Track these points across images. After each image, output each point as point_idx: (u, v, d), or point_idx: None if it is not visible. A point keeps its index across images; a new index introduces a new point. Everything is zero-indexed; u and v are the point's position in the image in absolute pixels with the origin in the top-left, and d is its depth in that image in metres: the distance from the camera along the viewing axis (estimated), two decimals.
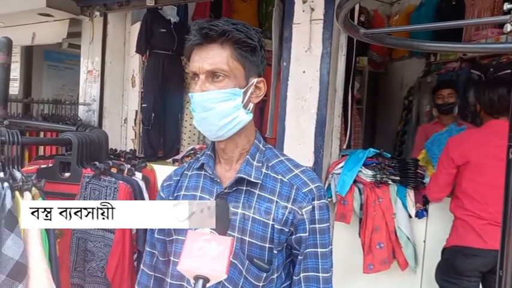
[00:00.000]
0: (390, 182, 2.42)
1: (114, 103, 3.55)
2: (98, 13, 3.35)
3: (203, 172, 0.99)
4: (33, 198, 1.15)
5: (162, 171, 1.93)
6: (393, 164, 2.48)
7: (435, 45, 0.96)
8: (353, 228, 2.49)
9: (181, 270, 0.74)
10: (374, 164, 2.50)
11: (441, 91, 3.11)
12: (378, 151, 2.55)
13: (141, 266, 1.08)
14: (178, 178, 1.03)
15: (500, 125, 2.05)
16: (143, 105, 3.41)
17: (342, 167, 2.53)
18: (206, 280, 0.72)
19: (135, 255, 1.49)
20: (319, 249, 0.93)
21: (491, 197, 1.97)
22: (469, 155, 2.04)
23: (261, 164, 0.95)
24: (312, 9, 2.46)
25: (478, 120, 3.45)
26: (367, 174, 2.46)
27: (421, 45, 1.12)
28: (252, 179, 0.92)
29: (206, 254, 0.73)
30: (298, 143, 2.50)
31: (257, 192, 0.93)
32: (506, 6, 0.70)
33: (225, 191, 0.93)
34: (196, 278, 0.72)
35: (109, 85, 3.48)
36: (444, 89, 3.11)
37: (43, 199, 1.18)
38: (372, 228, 2.36)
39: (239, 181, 0.93)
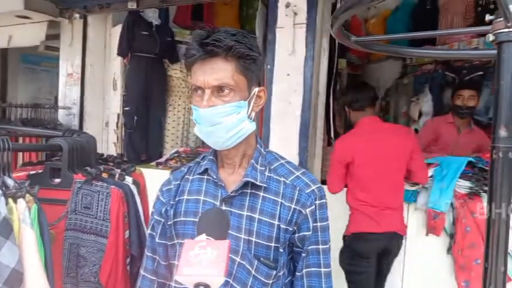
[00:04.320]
0: (483, 194, 2.27)
1: (95, 106, 3.51)
2: (77, 15, 3.31)
3: (206, 176, 1.01)
4: (28, 205, 1.14)
5: (147, 175, 1.92)
6: (487, 175, 2.27)
7: (424, 52, 1.02)
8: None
9: (180, 280, 0.73)
10: (470, 174, 2.34)
11: (461, 91, 2.78)
12: (470, 159, 2.40)
13: (142, 272, 1.08)
14: (179, 182, 1.04)
15: (372, 121, 2.30)
16: (125, 108, 3.38)
17: (430, 177, 2.35)
18: (206, 286, 0.72)
19: (128, 260, 1.49)
20: (320, 246, 0.97)
21: (377, 187, 2.20)
22: (352, 153, 2.24)
23: (264, 168, 0.98)
24: (295, 14, 2.52)
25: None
26: (463, 186, 2.30)
27: (408, 52, 1.18)
28: (258, 183, 0.95)
29: (203, 260, 0.74)
30: (283, 144, 2.55)
31: (262, 194, 0.96)
32: (488, 17, 0.76)
33: (232, 194, 0.96)
34: (196, 285, 0.72)
35: (90, 88, 3.44)
36: (466, 89, 2.77)
37: (37, 206, 1.17)
38: (465, 245, 2.27)
39: (244, 184, 0.96)
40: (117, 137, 3.51)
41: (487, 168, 2.33)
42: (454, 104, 2.82)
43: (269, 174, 0.98)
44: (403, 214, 2.29)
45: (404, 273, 2.50)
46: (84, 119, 3.44)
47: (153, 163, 3.27)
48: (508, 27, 0.69)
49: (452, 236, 2.30)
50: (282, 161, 1.02)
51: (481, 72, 3.34)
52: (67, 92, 3.44)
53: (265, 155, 1.02)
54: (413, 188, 2.39)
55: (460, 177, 2.31)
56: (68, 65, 3.41)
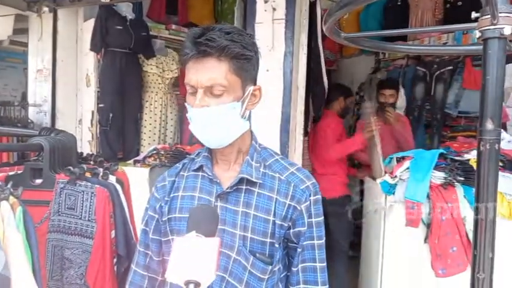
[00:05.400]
0: (456, 184, 2.33)
1: (67, 104, 3.38)
2: (46, 9, 3.17)
3: (201, 173, 1.01)
4: (12, 207, 1.09)
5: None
6: (459, 165, 2.40)
7: (414, 48, 1.05)
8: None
9: (170, 279, 0.73)
10: (443, 165, 2.40)
11: (383, 90, 3.22)
12: (442, 151, 2.48)
13: (133, 267, 1.07)
14: (174, 179, 1.04)
15: (329, 113, 3.23)
16: (100, 105, 3.28)
17: (406, 169, 2.43)
18: (197, 284, 0.71)
19: (115, 260, 1.46)
20: (315, 241, 0.98)
21: (314, 157, 3.21)
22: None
23: (259, 164, 0.99)
24: (274, 9, 2.51)
25: (424, 114, 3.71)
26: (438, 177, 2.36)
27: (390, 47, 1.21)
28: (253, 179, 0.96)
29: (193, 258, 0.73)
30: (264, 140, 2.54)
31: (256, 190, 0.96)
32: (474, 14, 0.80)
33: (227, 190, 0.96)
34: (187, 283, 0.71)
35: (61, 85, 3.31)
36: (386, 89, 3.22)
37: (23, 208, 1.12)
38: (441, 234, 2.31)
39: (240, 181, 0.96)
40: (92, 135, 3.41)
41: (457, 158, 2.45)
42: (378, 102, 3.30)
43: (264, 171, 0.99)
44: (335, 181, 3.13)
45: (384, 264, 2.57)
46: (56, 116, 3.31)
47: (131, 161, 3.20)
48: (494, 25, 0.73)
49: (428, 226, 2.37)
50: (277, 157, 1.04)
51: (451, 67, 3.47)
52: (37, 88, 3.30)
53: (260, 151, 1.02)
54: (393, 182, 2.46)
55: (433, 169, 2.39)
56: (37, 61, 3.26)
